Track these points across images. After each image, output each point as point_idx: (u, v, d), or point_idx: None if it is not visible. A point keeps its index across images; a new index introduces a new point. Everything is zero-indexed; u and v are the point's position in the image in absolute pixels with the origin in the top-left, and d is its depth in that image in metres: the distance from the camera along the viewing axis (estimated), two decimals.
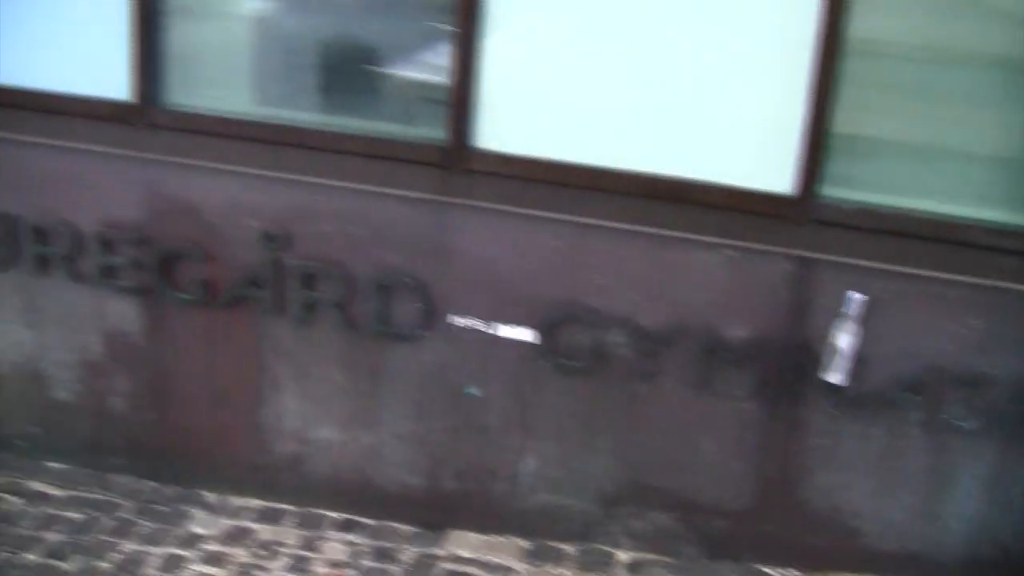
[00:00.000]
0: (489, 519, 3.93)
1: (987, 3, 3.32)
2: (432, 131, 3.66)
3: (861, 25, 3.30)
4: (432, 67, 3.64)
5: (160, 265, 3.86)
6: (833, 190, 3.44)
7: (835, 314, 3.43)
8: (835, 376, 3.47)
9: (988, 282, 3.37)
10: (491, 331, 3.70)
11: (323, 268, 3.74)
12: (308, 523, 4.01)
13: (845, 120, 3.34)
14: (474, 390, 3.77)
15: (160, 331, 3.96)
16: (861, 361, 3.46)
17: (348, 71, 3.85)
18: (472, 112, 3.60)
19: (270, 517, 4.04)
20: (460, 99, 3.59)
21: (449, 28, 3.56)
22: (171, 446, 4.11)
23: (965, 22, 3.33)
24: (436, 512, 3.94)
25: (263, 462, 4.03)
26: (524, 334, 3.68)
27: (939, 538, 3.64)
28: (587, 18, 3.53)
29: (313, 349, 3.85)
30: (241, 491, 4.07)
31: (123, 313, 3.96)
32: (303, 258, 3.74)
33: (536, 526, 3.90)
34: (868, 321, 3.41)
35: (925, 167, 3.44)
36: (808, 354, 3.52)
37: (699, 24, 3.46)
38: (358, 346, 3.81)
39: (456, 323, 3.72)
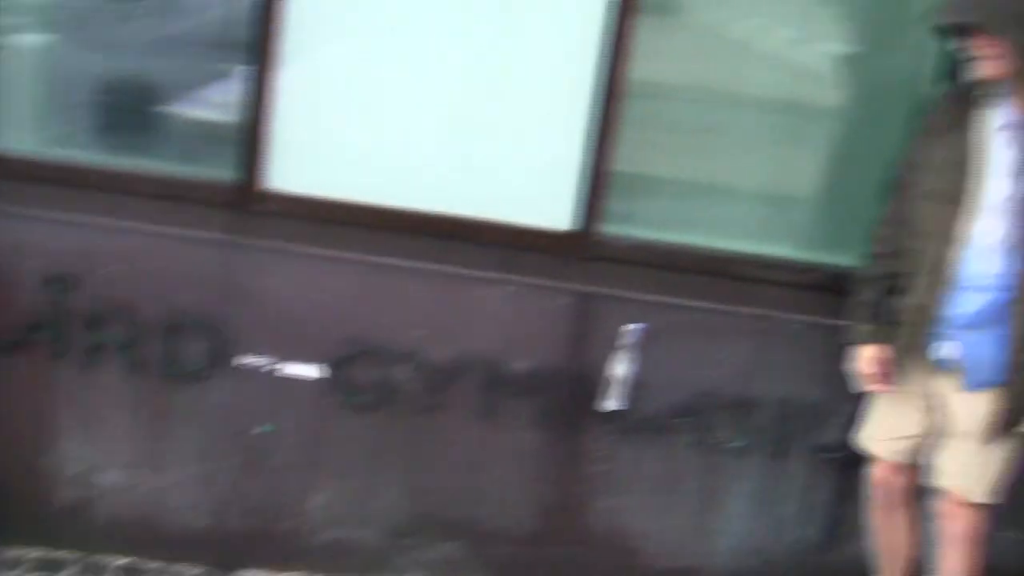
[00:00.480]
0: (277, 556, 3.93)
1: (758, 49, 3.63)
2: (223, 171, 3.70)
3: (640, 68, 3.54)
4: (223, 106, 3.69)
5: None
6: (613, 227, 3.66)
7: (614, 345, 3.65)
8: (613, 404, 3.68)
9: (755, 311, 3.65)
10: (280, 370, 3.74)
11: (109, 311, 3.69)
12: (90, 570, 3.91)
13: (625, 159, 3.56)
14: (267, 427, 3.80)
15: None
16: (637, 389, 3.67)
17: (135, 110, 3.85)
18: (263, 152, 3.66)
19: (50, 567, 3.92)
20: (251, 139, 3.65)
21: (241, 67, 3.63)
22: None
23: (737, 66, 3.63)
24: (224, 552, 3.92)
25: (44, 511, 3.92)
26: (313, 371, 3.73)
27: (710, 553, 3.88)
28: (376, 61, 3.65)
29: (98, 393, 3.78)
30: (19, 542, 3.95)
31: None
32: (89, 301, 3.69)
33: (325, 561, 3.93)
34: (644, 351, 3.63)
35: (699, 204, 3.72)
36: (588, 384, 3.70)
37: (484, 68, 3.65)
38: (145, 389, 3.76)
39: (245, 363, 3.73)
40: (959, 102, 3.16)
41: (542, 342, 3.69)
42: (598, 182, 3.64)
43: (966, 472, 3.24)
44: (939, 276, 3.13)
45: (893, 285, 3.32)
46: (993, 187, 3.07)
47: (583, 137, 3.62)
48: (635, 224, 3.75)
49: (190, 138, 3.86)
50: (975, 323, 3.14)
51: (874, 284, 3.38)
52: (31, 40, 3.88)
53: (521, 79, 3.67)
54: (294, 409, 3.78)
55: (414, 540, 3.90)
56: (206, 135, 3.83)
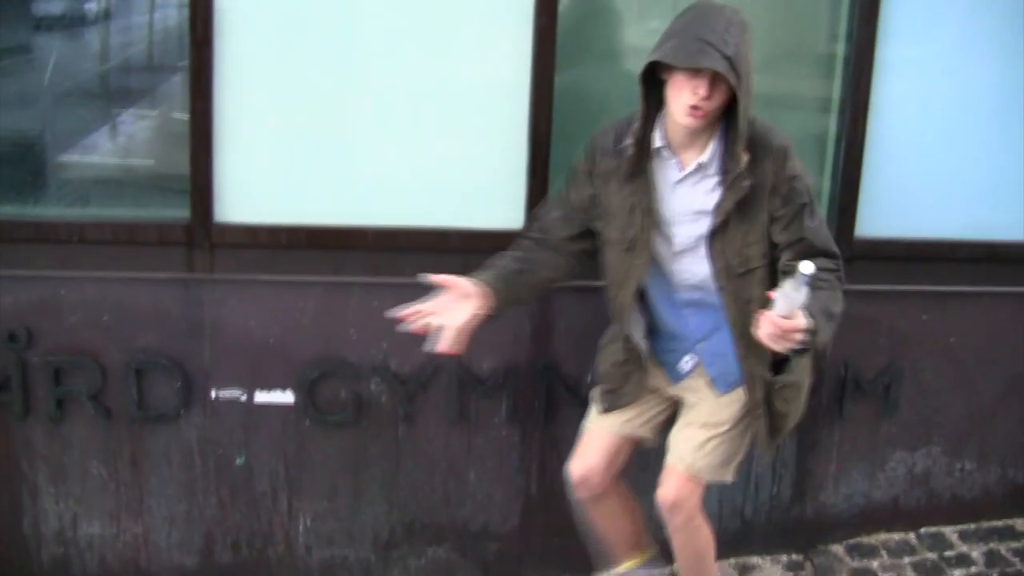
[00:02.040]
0: None
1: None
2: (175, 211, 3.72)
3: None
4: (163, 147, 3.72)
5: None
6: None
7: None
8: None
9: None
10: (251, 399, 3.78)
11: (72, 361, 3.70)
12: None
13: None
14: (240, 459, 3.83)
15: None
16: None
17: (75, 162, 3.86)
18: (213, 187, 3.69)
19: None
20: (199, 176, 3.67)
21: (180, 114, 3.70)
22: None
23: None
24: None
25: (26, 572, 3.90)
26: (285, 397, 3.79)
27: None
28: (316, 84, 3.72)
29: (69, 446, 3.78)
30: None
31: None
32: (51, 353, 3.70)
33: None
34: None
35: None
36: (554, 375, 3.85)
37: (429, 88, 3.75)
38: (116, 435, 3.78)
39: (215, 396, 3.77)
40: (639, 150, 3.10)
41: (505, 339, 3.80)
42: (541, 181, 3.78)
43: (699, 454, 3.29)
44: (629, 317, 3.25)
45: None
46: (681, 232, 3.13)
47: (527, 139, 3.75)
48: None
49: (141, 183, 3.88)
50: (701, 336, 3.26)
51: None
52: None
53: (462, 86, 3.77)
54: (269, 436, 3.83)
55: (400, 551, 3.98)
56: (157, 178, 3.86)
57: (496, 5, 3.76)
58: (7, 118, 3.77)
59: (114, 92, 3.97)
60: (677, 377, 3.34)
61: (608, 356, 3.40)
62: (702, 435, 3.28)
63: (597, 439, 3.43)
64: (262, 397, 3.78)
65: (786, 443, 4.04)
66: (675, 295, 3.23)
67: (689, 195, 3.09)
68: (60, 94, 3.87)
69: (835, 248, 3.11)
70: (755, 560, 4.17)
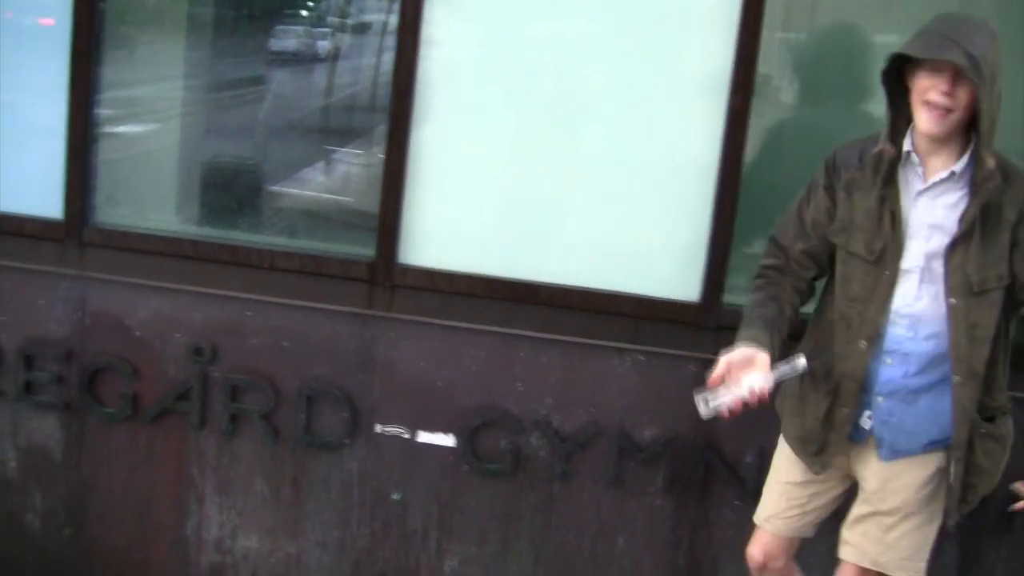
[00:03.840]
0: None
1: None
2: (361, 248, 3.86)
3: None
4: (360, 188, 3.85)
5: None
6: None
7: None
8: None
9: None
10: (413, 438, 3.87)
11: (249, 380, 3.87)
12: None
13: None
14: (396, 496, 3.91)
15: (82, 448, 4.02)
16: None
17: (275, 191, 4.03)
18: (399, 229, 3.81)
19: None
20: (387, 217, 3.81)
21: (379, 156, 3.82)
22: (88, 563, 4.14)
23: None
24: None
25: (182, 573, 4.08)
26: (446, 440, 3.85)
27: None
28: (508, 142, 3.83)
29: (237, 460, 3.95)
30: None
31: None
32: (231, 371, 3.87)
33: None
34: None
35: None
36: (715, 452, 3.81)
37: (619, 156, 3.79)
38: (282, 456, 3.92)
39: (379, 431, 3.87)
40: (880, 160, 3.01)
41: (669, 409, 3.77)
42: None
43: (882, 547, 3.12)
44: (867, 340, 3.05)
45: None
46: (913, 248, 2.99)
47: (711, 215, 3.73)
48: None
49: (333, 218, 4.02)
50: (897, 391, 3.07)
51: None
52: (168, 129, 4.10)
53: (649, 156, 3.80)
54: (426, 476, 3.90)
55: None
56: (348, 214, 3.99)
57: (692, 80, 3.77)
58: (225, 145, 3.98)
59: (326, 129, 4.14)
60: (859, 437, 3.15)
61: (803, 409, 3.23)
62: (887, 522, 3.13)
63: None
64: (424, 437, 3.86)
65: (944, 554, 3.88)
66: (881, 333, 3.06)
67: (930, 208, 2.97)
68: (277, 127, 4.06)
69: None
70: None
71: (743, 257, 3.72)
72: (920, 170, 2.97)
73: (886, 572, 3.13)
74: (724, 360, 2.96)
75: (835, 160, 3.11)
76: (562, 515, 3.90)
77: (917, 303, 2.99)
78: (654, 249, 3.87)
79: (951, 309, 2.95)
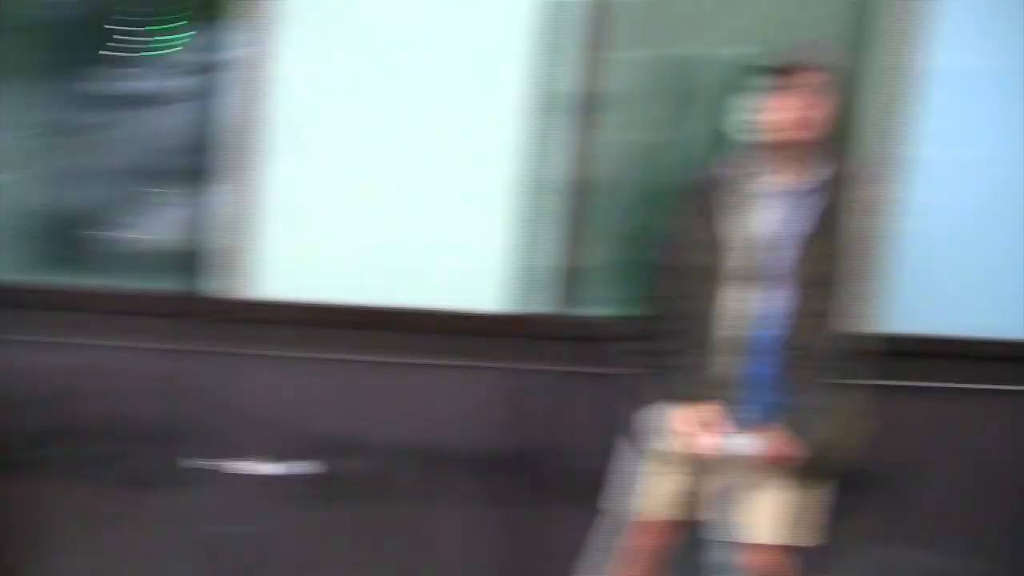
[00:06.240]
0: None
1: None
2: (199, 282, 3.88)
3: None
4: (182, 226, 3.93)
5: None
6: None
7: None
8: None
9: None
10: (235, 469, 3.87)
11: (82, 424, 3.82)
12: None
13: None
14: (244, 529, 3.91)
15: None
16: None
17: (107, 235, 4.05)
18: (243, 264, 3.85)
19: None
20: (232, 252, 3.85)
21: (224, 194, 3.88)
22: None
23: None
24: None
25: None
26: (277, 469, 3.88)
27: None
28: (344, 177, 3.91)
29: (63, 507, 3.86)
30: None
31: None
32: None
33: None
34: None
35: None
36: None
37: (437, 179, 3.91)
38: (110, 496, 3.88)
39: (213, 467, 3.86)
40: (714, 181, 3.24)
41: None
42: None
43: (766, 520, 3.24)
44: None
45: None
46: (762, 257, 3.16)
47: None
48: None
49: (152, 257, 4.04)
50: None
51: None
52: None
53: (459, 177, 3.91)
54: (261, 508, 3.90)
55: None
56: (166, 252, 4.03)
57: (511, 105, 3.91)
58: (55, 190, 3.98)
59: (167, 170, 4.10)
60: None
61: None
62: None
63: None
64: (245, 467, 3.88)
65: None
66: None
67: (777, 216, 3.16)
68: (115, 171, 4.05)
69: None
70: None
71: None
72: (769, 182, 3.20)
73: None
74: None
75: (695, 183, 3.33)
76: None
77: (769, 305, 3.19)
78: (488, 268, 3.96)
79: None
